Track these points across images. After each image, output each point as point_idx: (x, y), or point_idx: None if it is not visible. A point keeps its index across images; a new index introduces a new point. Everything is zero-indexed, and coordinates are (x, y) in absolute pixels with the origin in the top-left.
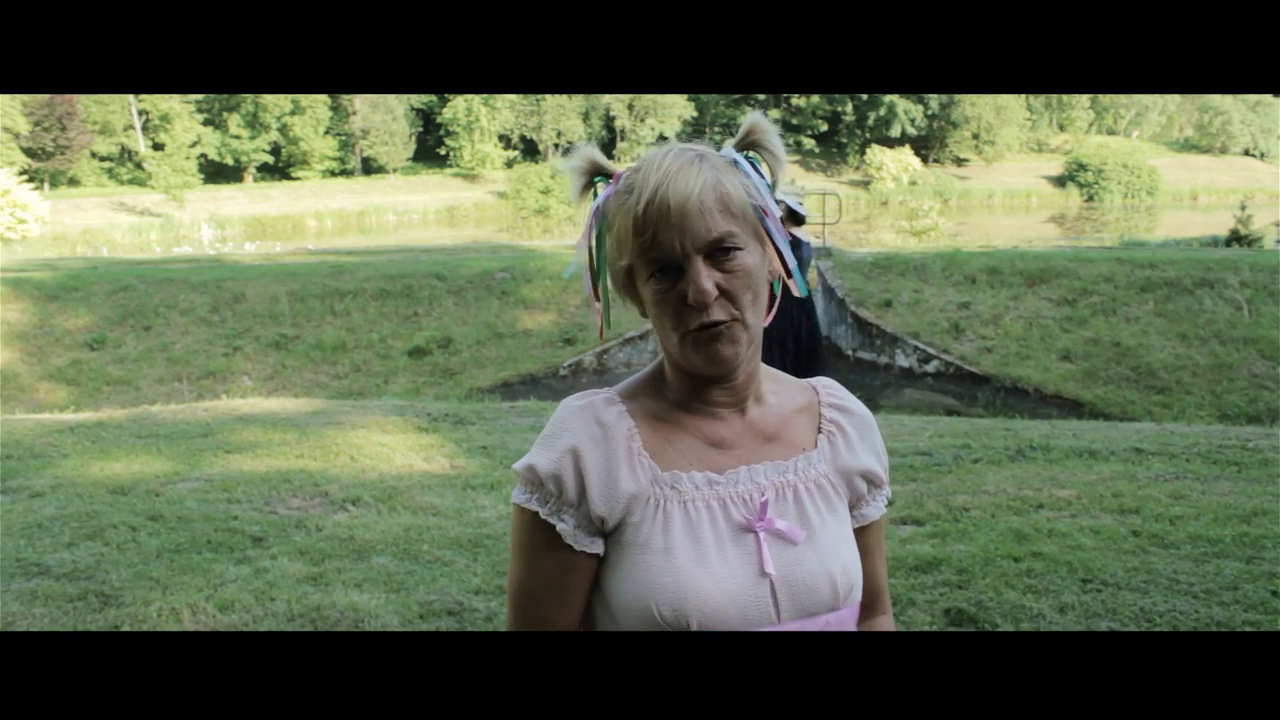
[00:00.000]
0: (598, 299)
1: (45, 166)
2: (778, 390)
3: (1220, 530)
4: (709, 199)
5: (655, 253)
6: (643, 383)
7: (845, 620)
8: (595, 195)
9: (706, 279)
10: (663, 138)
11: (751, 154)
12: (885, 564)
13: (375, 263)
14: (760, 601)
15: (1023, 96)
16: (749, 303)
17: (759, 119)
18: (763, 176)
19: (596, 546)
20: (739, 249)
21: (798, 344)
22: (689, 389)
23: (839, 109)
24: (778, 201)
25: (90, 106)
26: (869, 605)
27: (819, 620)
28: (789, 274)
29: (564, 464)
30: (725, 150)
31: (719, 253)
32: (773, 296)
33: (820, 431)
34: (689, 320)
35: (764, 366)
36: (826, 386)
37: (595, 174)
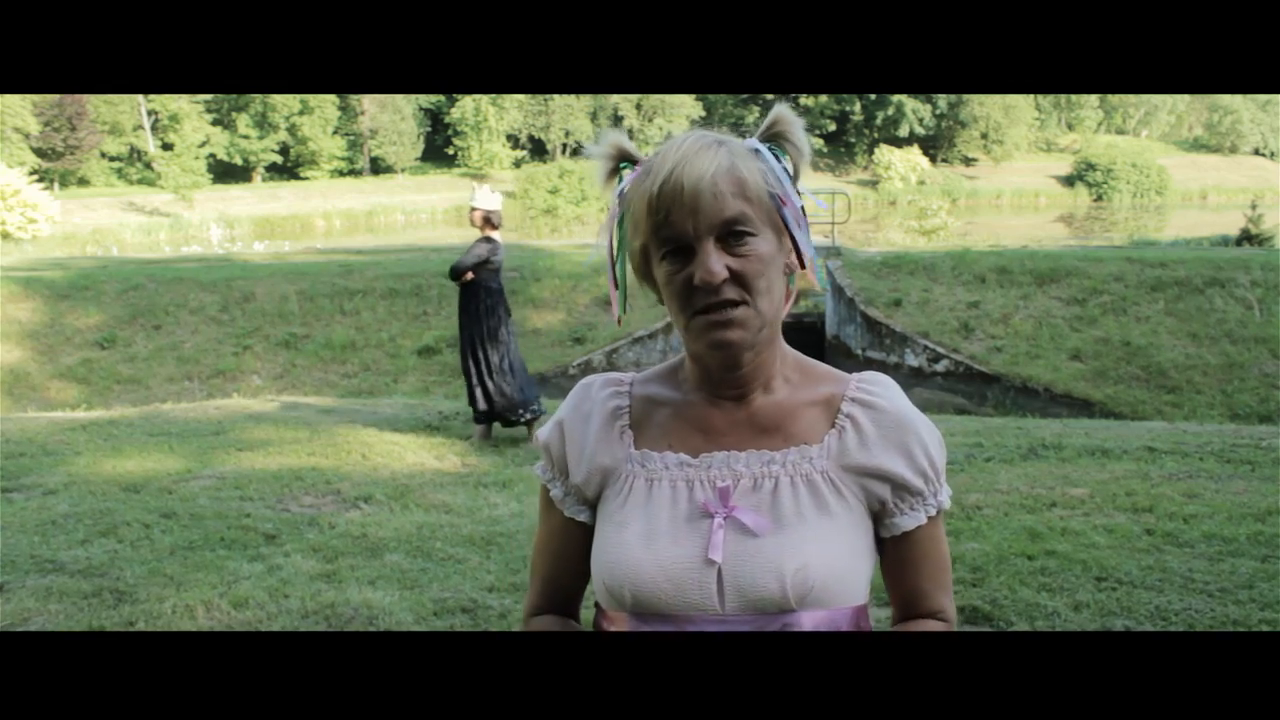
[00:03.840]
0: (616, 284)
1: (55, 166)
2: (799, 380)
3: (1235, 529)
4: (723, 182)
5: (667, 233)
6: (664, 369)
7: (805, 626)
8: (620, 181)
9: (716, 261)
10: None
11: (774, 146)
12: (932, 577)
13: (384, 262)
14: (704, 587)
15: (1031, 96)
16: (762, 289)
17: (784, 111)
18: (785, 168)
19: (583, 516)
20: (752, 234)
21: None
22: (699, 378)
23: (847, 109)
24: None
25: (100, 107)
26: (903, 615)
27: (776, 621)
28: (803, 265)
29: (553, 436)
30: (749, 140)
31: (731, 236)
32: (789, 290)
33: (832, 426)
34: (696, 301)
35: (796, 356)
36: (864, 381)
37: (621, 160)
